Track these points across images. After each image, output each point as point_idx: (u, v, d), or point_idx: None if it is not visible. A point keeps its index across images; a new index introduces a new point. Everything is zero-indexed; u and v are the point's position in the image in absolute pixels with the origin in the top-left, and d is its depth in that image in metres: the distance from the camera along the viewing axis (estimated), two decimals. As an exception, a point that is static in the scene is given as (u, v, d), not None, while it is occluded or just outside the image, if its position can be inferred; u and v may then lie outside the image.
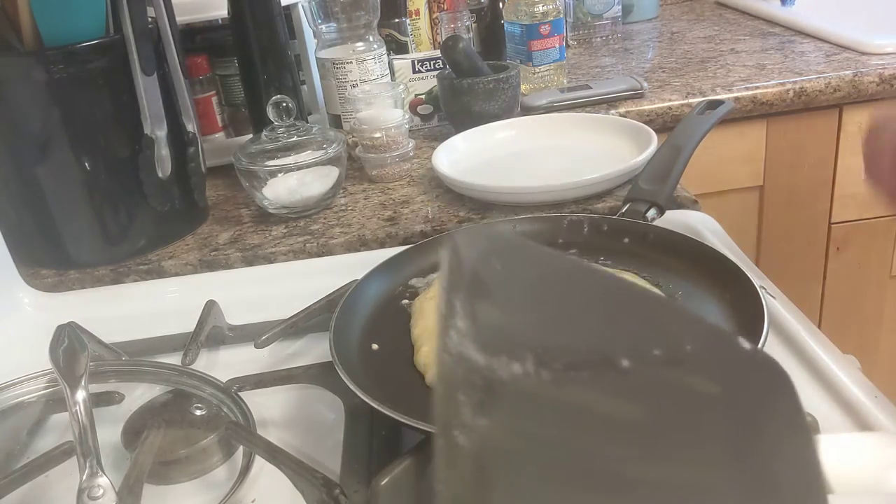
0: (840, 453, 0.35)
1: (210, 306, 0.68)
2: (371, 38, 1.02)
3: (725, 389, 0.20)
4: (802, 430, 0.20)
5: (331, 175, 0.86)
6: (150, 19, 0.77)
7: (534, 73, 1.17)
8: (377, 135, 0.91)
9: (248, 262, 0.80)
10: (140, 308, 0.76)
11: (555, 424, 0.19)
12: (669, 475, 0.19)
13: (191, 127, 0.83)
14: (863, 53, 1.15)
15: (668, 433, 0.20)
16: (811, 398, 0.51)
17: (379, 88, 0.97)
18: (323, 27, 1.01)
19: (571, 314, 0.22)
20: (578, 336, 0.22)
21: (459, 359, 0.21)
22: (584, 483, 0.18)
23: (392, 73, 1.08)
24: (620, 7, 1.48)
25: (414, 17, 1.26)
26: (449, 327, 0.21)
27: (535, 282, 0.23)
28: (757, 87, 1.08)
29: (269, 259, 0.80)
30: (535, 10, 1.13)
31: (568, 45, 1.46)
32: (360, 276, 0.63)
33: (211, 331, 0.66)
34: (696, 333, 0.21)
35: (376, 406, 0.46)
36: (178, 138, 0.82)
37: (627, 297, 0.23)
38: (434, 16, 1.30)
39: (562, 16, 1.16)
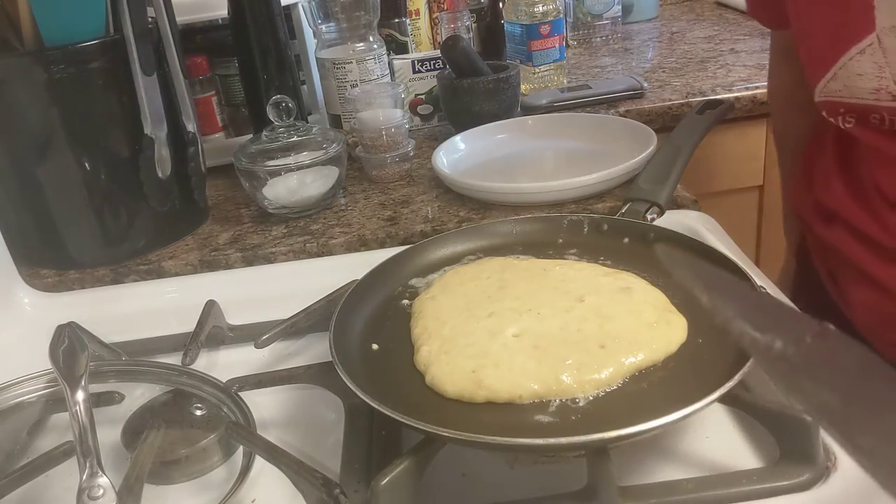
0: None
1: (210, 306, 0.68)
2: (371, 38, 1.02)
3: (855, 359, 0.31)
4: None
5: (331, 175, 0.86)
6: (150, 19, 0.77)
7: (534, 73, 1.17)
8: (377, 135, 0.91)
9: (248, 262, 0.80)
10: (140, 308, 0.75)
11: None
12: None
13: (191, 127, 0.83)
14: (863, 53, 1.15)
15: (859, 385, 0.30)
16: (811, 398, 0.51)
17: (379, 88, 0.97)
18: (323, 27, 1.01)
19: (760, 309, 0.35)
20: (778, 322, 0.33)
21: (746, 335, 0.32)
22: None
23: (392, 73, 1.08)
24: (620, 7, 1.48)
25: (414, 17, 1.26)
26: (722, 316, 0.33)
27: (727, 287, 0.37)
28: (757, 87, 1.08)
29: (269, 259, 0.80)
30: (535, 10, 1.13)
31: (568, 45, 1.46)
32: (360, 276, 0.63)
33: (211, 331, 0.66)
34: (809, 326, 0.33)
35: (376, 406, 0.46)
36: (178, 138, 0.82)
37: (770, 301, 0.38)
38: (434, 16, 1.30)
39: (562, 16, 1.16)
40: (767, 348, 0.31)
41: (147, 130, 0.77)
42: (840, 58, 0.64)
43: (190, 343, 0.63)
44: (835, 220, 0.78)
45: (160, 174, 0.79)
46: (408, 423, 0.45)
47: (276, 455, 0.48)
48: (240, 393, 0.57)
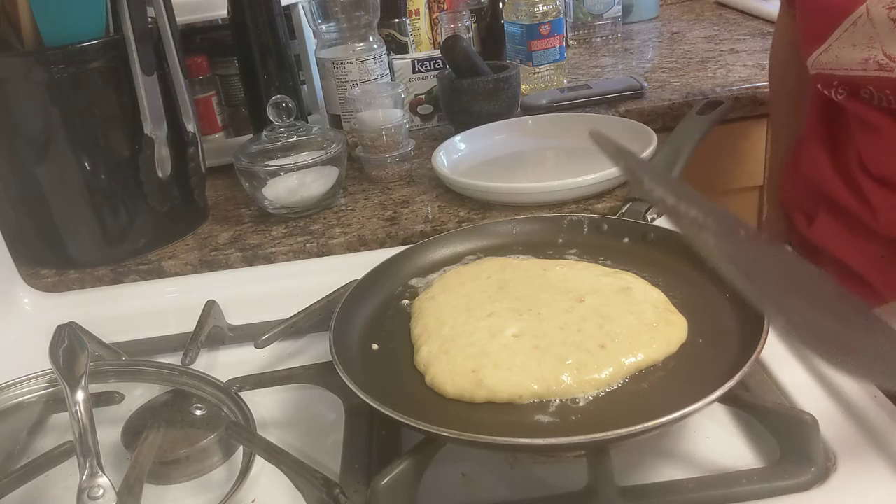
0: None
1: (210, 306, 0.68)
2: (371, 38, 1.02)
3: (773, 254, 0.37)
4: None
5: (331, 175, 0.86)
6: (150, 19, 0.77)
7: (534, 73, 1.17)
8: (377, 135, 0.91)
9: (248, 262, 0.80)
10: (140, 308, 0.76)
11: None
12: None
13: (191, 127, 0.83)
14: (863, 53, 1.15)
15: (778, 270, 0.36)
16: (810, 397, 0.51)
17: (379, 88, 0.97)
18: (323, 27, 1.01)
19: (696, 199, 0.39)
20: (710, 214, 0.37)
21: (656, 192, 0.37)
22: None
23: (392, 73, 1.08)
24: (620, 7, 1.48)
25: (414, 17, 1.26)
26: (641, 185, 0.38)
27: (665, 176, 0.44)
28: (757, 87, 1.08)
29: (269, 259, 0.80)
30: (535, 10, 1.13)
31: (568, 45, 1.46)
32: (360, 276, 0.63)
33: (211, 331, 0.66)
34: (748, 228, 0.38)
35: (376, 406, 0.46)
36: (178, 138, 0.82)
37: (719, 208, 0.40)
38: (434, 16, 1.30)
39: (562, 16, 1.16)
40: (675, 209, 0.36)
41: (147, 130, 0.77)
42: (835, 30, 0.68)
43: (190, 343, 0.63)
44: (819, 209, 0.81)
45: (160, 174, 0.79)
46: (408, 423, 0.45)
47: (276, 455, 0.48)
48: (240, 393, 0.57)
